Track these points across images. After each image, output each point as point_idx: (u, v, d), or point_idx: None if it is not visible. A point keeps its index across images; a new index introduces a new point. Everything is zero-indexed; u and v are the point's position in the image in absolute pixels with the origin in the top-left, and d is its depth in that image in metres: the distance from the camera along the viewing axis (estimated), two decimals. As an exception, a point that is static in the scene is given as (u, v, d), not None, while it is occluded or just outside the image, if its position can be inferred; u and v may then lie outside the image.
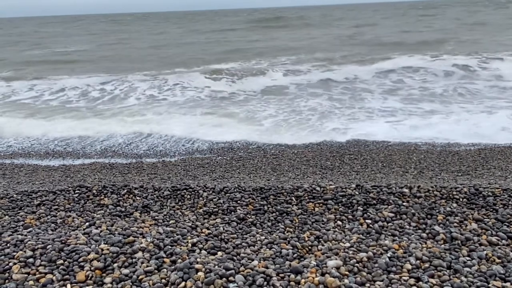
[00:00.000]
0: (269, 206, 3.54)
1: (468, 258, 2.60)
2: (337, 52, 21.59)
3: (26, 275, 2.39)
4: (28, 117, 11.23)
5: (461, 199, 3.49)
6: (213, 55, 22.93)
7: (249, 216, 3.38)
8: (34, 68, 19.98)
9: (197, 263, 2.46)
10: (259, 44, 27.64)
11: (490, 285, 2.28)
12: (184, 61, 20.75)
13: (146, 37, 38.56)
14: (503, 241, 2.82)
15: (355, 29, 36.41)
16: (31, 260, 2.53)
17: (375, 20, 46.02)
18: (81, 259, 2.52)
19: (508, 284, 2.29)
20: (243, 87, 14.24)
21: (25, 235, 2.90)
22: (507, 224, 3.04)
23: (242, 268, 2.43)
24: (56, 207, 3.60)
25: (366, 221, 3.20)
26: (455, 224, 3.07)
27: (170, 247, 2.72)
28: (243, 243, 2.87)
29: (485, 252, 2.64)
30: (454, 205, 3.39)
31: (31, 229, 3.09)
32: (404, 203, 3.42)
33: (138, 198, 3.80)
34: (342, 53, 21.08)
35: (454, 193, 3.58)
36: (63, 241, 2.75)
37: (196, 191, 3.86)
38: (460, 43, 22.45)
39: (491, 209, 3.30)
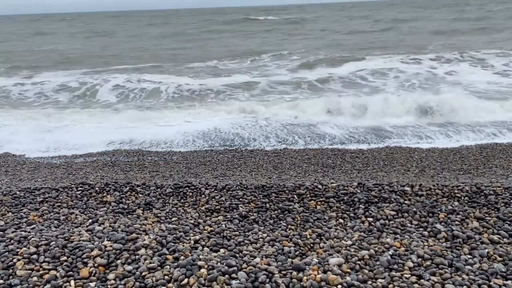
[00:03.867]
0: (271, 204, 3.55)
1: (469, 256, 2.61)
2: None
3: (30, 271, 2.41)
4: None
5: (462, 198, 3.50)
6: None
7: (251, 214, 3.40)
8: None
9: (200, 260, 2.48)
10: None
11: (491, 283, 2.29)
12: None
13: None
14: (505, 239, 2.83)
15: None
16: (34, 256, 2.55)
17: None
18: (84, 256, 2.53)
19: (509, 282, 2.30)
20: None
21: (29, 232, 2.92)
22: (508, 222, 3.05)
23: (244, 265, 2.45)
24: (59, 204, 3.62)
25: (368, 219, 3.21)
26: (457, 222, 3.08)
27: (172, 244, 2.73)
28: (245, 241, 2.89)
29: (486, 250, 2.65)
30: (456, 203, 3.40)
31: (34, 226, 3.10)
32: (405, 201, 3.43)
33: (140, 195, 3.81)
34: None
35: (456, 191, 3.58)
36: (66, 238, 2.77)
37: (198, 189, 3.88)
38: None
39: (493, 208, 3.30)
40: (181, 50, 25.41)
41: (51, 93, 14.04)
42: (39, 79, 16.05)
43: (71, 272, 2.41)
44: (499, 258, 2.57)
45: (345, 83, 14.12)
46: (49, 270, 2.43)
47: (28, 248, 2.63)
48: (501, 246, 2.73)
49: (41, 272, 2.41)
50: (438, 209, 3.29)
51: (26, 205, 3.60)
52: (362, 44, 24.09)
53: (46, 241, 2.70)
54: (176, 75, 16.02)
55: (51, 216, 3.35)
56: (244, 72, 16.66)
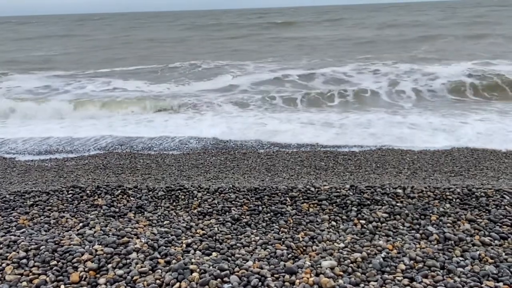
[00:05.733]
0: (263, 206, 3.54)
1: (461, 258, 2.63)
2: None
3: (19, 276, 2.38)
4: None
5: (454, 200, 3.52)
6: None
7: (244, 217, 3.39)
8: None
9: (192, 263, 2.46)
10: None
11: (483, 285, 2.30)
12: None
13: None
14: (496, 241, 2.85)
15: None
16: (24, 261, 2.52)
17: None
18: (74, 260, 2.51)
19: (501, 284, 2.31)
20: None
21: (18, 236, 2.88)
22: (499, 224, 3.07)
23: (236, 269, 2.43)
24: (50, 207, 3.58)
25: (360, 221, 3.21)
26: (448, 224, 3.10)
27: (164, 247, 2.71)
28: (237, 244, 2.87)
29: (478, 252, 2.66)
30: (447, 205, 3.41)
31: (24, 229, 3.07)
32: (398, 204, 3.44)
33: (132, 198, 3.78)
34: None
35: (447, 193, 3.60)
36: (56, 242, 2.74)
37: (190, 192, 3.86)
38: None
39: (484, 210, 3.32)
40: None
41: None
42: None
43: (61, 277, 2.38)
44: (490, 260, 2.58)
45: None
46: (39, 274, 2.40)
47: (18, 252, 2.59)
48: (492, 248, 2.75)
49: (30, 276, 2.38)
50: (430, 211, 3.30)
51: (16, 208, 3.56)
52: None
53: (36, 245, 2.66)
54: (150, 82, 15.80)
55: (41, 219, 3.32)
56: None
